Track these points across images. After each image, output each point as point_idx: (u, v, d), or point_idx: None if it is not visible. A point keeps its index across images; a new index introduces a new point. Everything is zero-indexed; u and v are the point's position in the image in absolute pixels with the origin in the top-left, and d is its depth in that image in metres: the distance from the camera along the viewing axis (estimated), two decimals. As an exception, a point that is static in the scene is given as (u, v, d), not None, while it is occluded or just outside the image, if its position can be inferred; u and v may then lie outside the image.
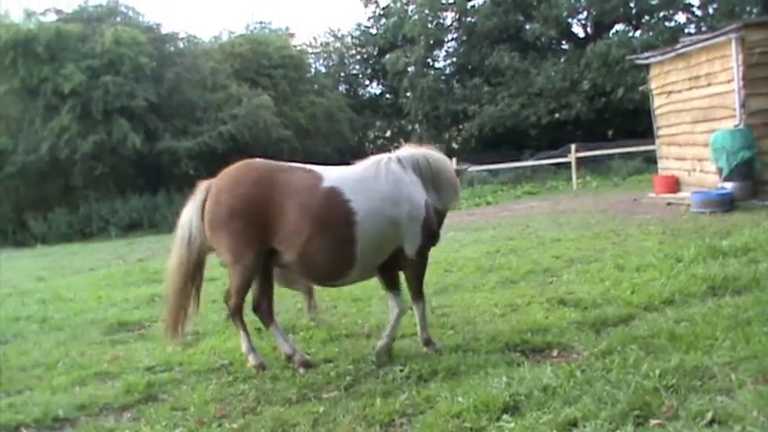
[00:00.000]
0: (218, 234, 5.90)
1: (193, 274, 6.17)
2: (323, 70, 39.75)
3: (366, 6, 38.10)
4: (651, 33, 30.69)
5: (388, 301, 6.53)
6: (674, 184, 17.67)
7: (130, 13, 31.91)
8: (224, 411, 5.21)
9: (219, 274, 9.42)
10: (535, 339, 6.13)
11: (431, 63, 36.23)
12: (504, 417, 4.47)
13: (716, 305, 6.56)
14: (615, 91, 29.93)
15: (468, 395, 4.78)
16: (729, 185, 14.28)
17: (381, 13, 37.50)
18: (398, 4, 36.29)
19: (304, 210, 5.74)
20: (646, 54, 20.27)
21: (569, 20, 34.29)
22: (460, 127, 36.85)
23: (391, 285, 6.32)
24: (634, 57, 21.55)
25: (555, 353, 5.82)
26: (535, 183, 27.50)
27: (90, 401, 5.66)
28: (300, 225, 5.73)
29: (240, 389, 5.68)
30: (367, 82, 40.71)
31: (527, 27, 33.59)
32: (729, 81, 14.84)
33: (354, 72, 40.24)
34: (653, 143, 20.26)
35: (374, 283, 6.93)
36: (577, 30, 35.56)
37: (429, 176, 6.33)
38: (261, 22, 39.03)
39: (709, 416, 4.09)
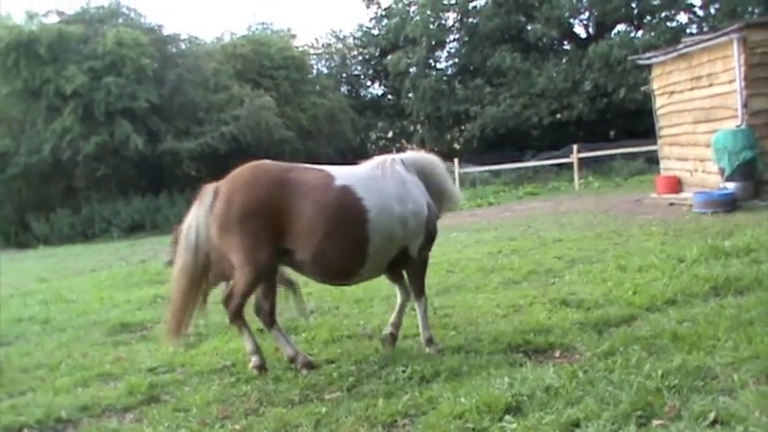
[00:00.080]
0: (230, 235, 5.82)
1: (200, 279, 6.11)
2: (325, 71, 39.77)
3: (368, 7, 38.16)
4: (653, 34, 30.66)
5: (396, 292, 6.75)
6: (676, 185, 17.66)
7: (132, 15, 31.98)
8: (226, 412, 5.21)
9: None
10: (537, 340, 6.13)
11: (433, 64, 36.25)
12: (507, 417, 4.47)
13: (718, 305, 6.55)
14: (617, 91, 29.92)
15: (470, 396, 4.78)
16: (731, 186, 14.27)
17: (383, 13, 37.52)
18: (400, 5, 36.29)
19: (318, 208, 5.76)
20: (648, 54, 20.26)
21: (571, 20, 34.27)
22: (462, 128, 36.85)
23: (398, 278, 6.60)
24: (636, 57, 21.56)
25: (557, 353, 5.82)
26: (537, 183, 27.49)
27: (92, 403, 5.66)
28: (314, 224, 5.74)
29: (243, 390, 5.68)
30: (369, 83, 40.74)
31: (529, 28, 33.56)
32: (731, 81, 14.84)
33: (356, 73, 40.27)
34: (655, 143, 20.24)
35: (376, 284, 6.95)
36: (579, 30, 35.58)
37: (430, 183, 6.52)
38: (263, 23, 39.11)
39: (711, 416, 4.08)
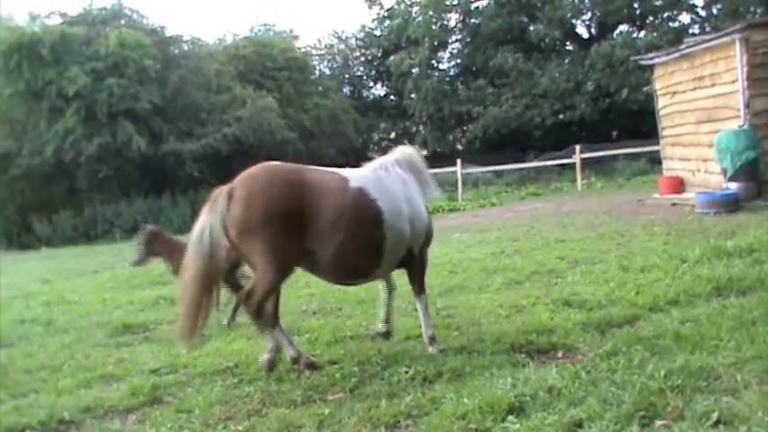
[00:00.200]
0: (252, 238, 5.75)
1: (212, 284, 6.02)
2: (327, 72, 39.83)
3: (370, 8, 38.30)
4: (655, 34, 30.68)
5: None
6: (679, 185, 17.64)
7: (135, 16, 32.04)
8: (229, 413, 5.21)
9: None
10: (540, 340, 6.12)
11: (435, 64, 36.30)
12: (510, 418, 4.47)
13: (721, 306, 6.54)
14: (619, 92, 29.92)
15: (473, 396, 4.78)
16: (734, 186, 14.24)
17: (385, 14, 37.57)
18: (402, 6, 36.35)
19: (338, 210, 5.80)
20: (650, 55, 20.24)
21: (573, 21, 34.31)
22: (465, 128, 36.86)
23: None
24: (638, 57, 21.55)
25: (560, 354, 5.81)
26: (539, 184, 27.48)
27: (95, 404, 5.67)
28: (336, 225, 5.78)
29: (245, 391, 5.68)
30: (371, 84, 40.81)
31: (531, 28, 33.60)
32: (733, 81, 14.81)
33: (359, 74, 40.33)
34: (657, 144, 20.22)
35: (377, 285, 6.96)
36: (581, 31, 35.63)
37: (419, 179, 6.68)
38: (265, 25, 39.12)
39: (714, 416, 4.08)
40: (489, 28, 33.50)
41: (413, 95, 34.66)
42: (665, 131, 19.32)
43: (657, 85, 19.47)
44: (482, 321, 7.15)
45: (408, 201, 6.28)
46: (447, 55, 37.07)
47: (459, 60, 36.62)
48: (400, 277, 6.76)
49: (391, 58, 34.65)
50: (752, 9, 29.46)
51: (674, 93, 18.19)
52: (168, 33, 32.38)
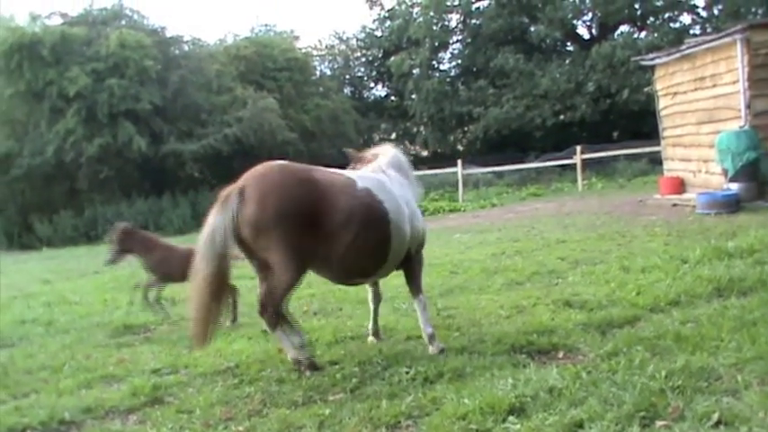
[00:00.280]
0: (268, 237, 5.69)
1: (224, 285, 6.01)
2: (328, 73, 39.79)
3: (371, 9, 38.23)
4: (656, 35, 30.68)
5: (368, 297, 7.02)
6: (680, 186, 17.64)
7: (135, 17, 31.98)
8: (230, 414, 5.21)
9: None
10: (541, 341, 6.12)
11: (436, 65, 36.29)
12: (510, 418, 4.46)
13: (722, 306, 6.54)
14: (620, 92, 29.91)
15: (473, 397, 4.78)
16: (735, 186, 14.24)
17: (386, 15, 37.55)
18: (403, 7, 36.34)
19: (348, 210, 5.82)
20: (651, 55, 20.25)
21: (574, 21, 34.29)
22: (465, 129, 36.83)
23: (374, 284, 6.94)
24: (639, 58, 21.54)
25: (561, 354, 5.81)
26: (540, 184, 27.50)
27: (96, 404, 5.66)
28: (346, 225, 5.80)
29: (246, 391, 5.68)
30: (372, 84, 40.78)
31: (532, 29, 33.59)
32: (734, 82, 14.82)
33: (359, 74, 40.30)
34: (658, 144, 20.22)
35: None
36: (582, 31, 35.63)
37: (408, 176, 6.88)
38: (266, 25, 39.01)
39: (715, 417, 4.08)
40: (490, 28, 33.50)
41: (413, 96, 34.65)
42: (665, 132, 19.32)
43: (658, 86, 19.47)
44: (483, 322, 7.15)
45: (407, 202, 6.36)
46: (448, 55, 37.08)
47: (459, 61, 36.62)
48: (400, 278, 6.76)
49: (392, 58, 34.62)
50: (753, 10, 29.45)
51: (675, 93, 18.19)
52: (169, 34, 32.34)
